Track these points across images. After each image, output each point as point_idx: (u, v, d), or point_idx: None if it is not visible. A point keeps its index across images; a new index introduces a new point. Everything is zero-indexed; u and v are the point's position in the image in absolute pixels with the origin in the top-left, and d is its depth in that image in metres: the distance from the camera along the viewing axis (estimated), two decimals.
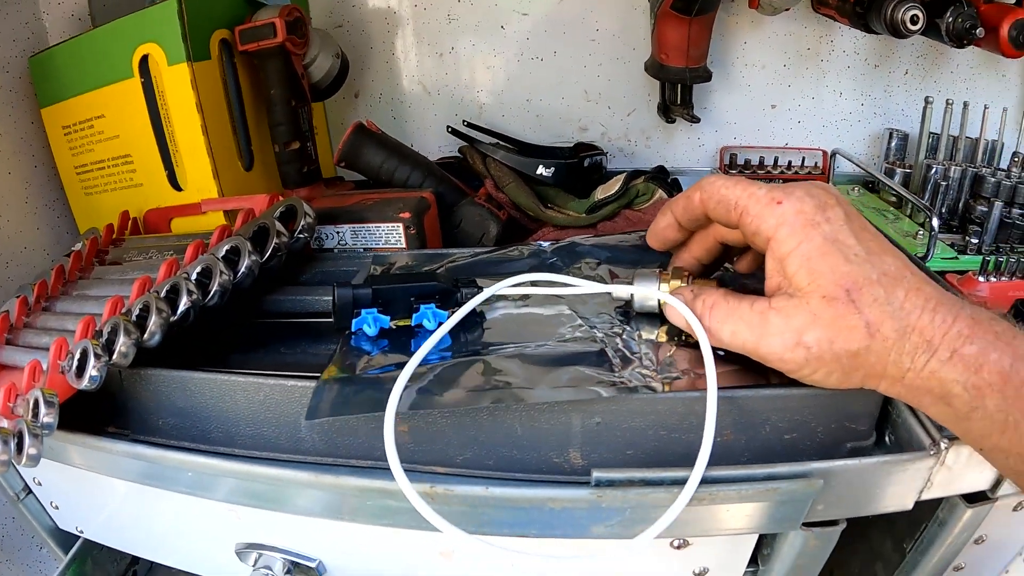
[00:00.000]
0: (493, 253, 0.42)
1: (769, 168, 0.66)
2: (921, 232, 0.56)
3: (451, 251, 0.43)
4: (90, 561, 0.45)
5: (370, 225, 0.46)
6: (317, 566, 0.35)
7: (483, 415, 0.29)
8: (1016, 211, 0.55)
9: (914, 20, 0.49)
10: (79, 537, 0.44)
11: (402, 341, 0.33)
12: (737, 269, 0.35)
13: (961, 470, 0.29)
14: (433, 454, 0.30)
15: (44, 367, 0.32)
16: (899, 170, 0.62)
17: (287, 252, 0.38)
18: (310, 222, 0.40)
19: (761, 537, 0.33)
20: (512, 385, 0.29)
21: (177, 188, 0.49)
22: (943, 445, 0.28)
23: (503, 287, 0.34)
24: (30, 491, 0.42)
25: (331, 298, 0.34)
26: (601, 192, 0.53)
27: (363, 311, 0.33)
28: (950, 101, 0.60)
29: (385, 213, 0.46)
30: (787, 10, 0.57)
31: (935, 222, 0.50)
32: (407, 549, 0.34)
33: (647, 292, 0.32)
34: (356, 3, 0.65)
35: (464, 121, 0.61)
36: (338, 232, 0.47)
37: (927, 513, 0.33)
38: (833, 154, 0.64)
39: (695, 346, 0.29)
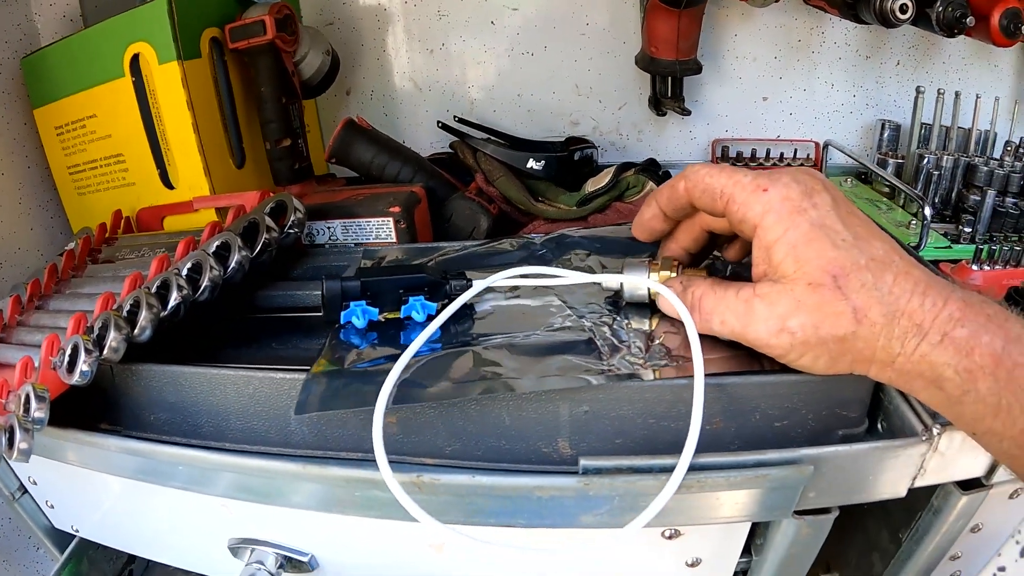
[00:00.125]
0: (483, 246, 0.42)
1: (761, 160, 0.66)
2: (914, 222, 0.56)
3: (441, 245, 0.43)
4: (86, 560, 0.45)
5: (360, 220, 0.46)
6: (309, 560, 0.35)
7: (471, 405, 0.29)
8: (1009, 200, 0.55)
9: (903, 9, 0.49)
10: (75, 536, 0.44)
11: (391, 334, 0.33)
12: (726, 257, 0.34)
13: (954, 456, 0.29)
14: (422, 445, 0.30)
15: (36, 363, 0.33)
16: (892, 161, 0.62)
17: (277, 247, 0.38)
18: (300, 217, 0.40)
19: (754, 527, 0.33)
20: (501, 375, 0.29)
21: (169, 186, 0.49)
22: (935, 431, 0.28)
23: (496, 280, 0.34)
24: (25, 491, 0.42)
25: (321, 292, 0.34)
26: (591, 185, 0.53)
27: (352, 304, 0.33)
28: (942, 91, 0.60)
29: (375, 208, 0.46)
30: (777, 2, 0.57)
31: (928, 211, 0.50)
32: (398, 542, 0.34)
33: (637, 282, 0.32)
34: (346, 0, 0.65)
35: (455, 116, 0.61)
36: (329, 227, 0.47)
37: (922, 502, 0.33)
38: (825, 145, 0.64)
39: (684, 334, 0.29)
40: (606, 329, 0.32)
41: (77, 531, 0.43)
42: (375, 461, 0.26)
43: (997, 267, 0.49)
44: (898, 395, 0.30)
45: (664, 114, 0.65)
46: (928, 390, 0.26)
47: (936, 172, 0.57)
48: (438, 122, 0.60)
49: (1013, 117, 0.63)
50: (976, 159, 0.58)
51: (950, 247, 0.54)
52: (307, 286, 0.38)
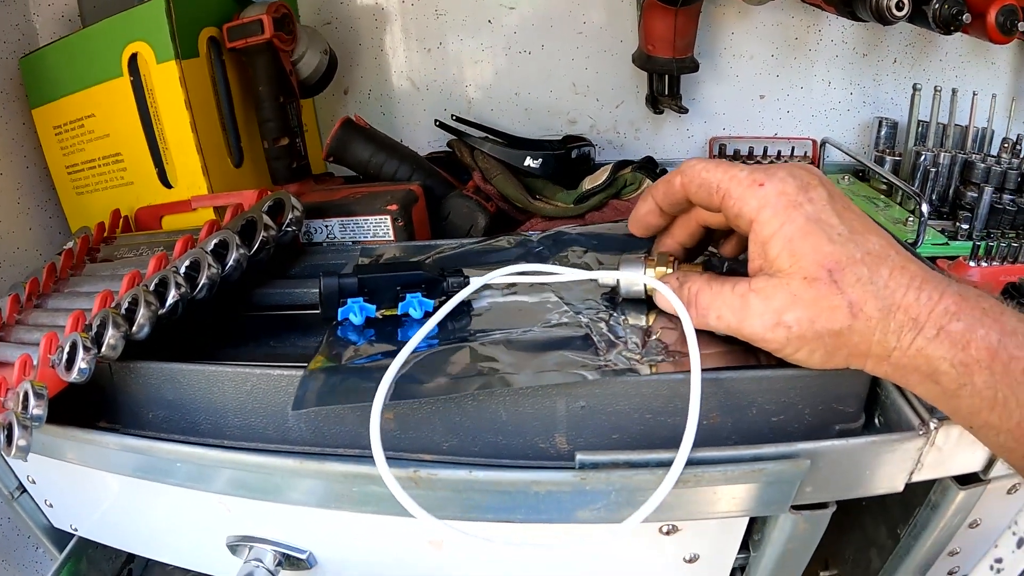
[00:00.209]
0: (480, 243, 0.42)
1: (759, 158, 0.66)
2: (911, 219, 0.56)
3: (439, 242, 0.43)
4: (85, 560, 0.45)
5: (358, 218, 0.46)
6: (307, 557, 0.35)
7: (468, 401, 0.29)
8: (1006, 196, 0.55)
9: (899, 6, 0.49)
10: (74, 535, 0.44)
11: (388, 330, 0.33)
12: (722, 253, 0.34)
13: (952, 450, 0.29)
14: (419, 441, 0.30)
15: (34, 361, 0.33)
16: (889, 158, 0.62)
17: (275, 245, 0.38)
18: (298, 215, 0.40)
19: (751, 522, 0.33)
20: (498, 370, 0.29)
21: (167, 186, 0.50)
22: (932, 425, 0.28)
23: (494, 277, 0.34)
24: (24, 490, 0.42)
25: (318, 289, 0.34)
26: (589, 182, 0.53)
27: (349, 300, 0.33)
28: (939, 88, 0.60)
29: (373, 206, 0.46)
30: (773, 0, 0.58)
31: (925, 208, 0.50)
32: (396, 539, 0.34)
33: (633, 278, 0.33)
34: (344, 0, 0.65)
35: (453, 115, 0.61)
36: (327, 226, 0.47)
37: (920, 497, 0.33)
38: (823, 143, 0.64)
39: (681, 329, 0.29)
40: (603, 325, 0.32)
41: (76, 530, 0.43)
42: (372, 457, 0.26)
43: (994, 263, 0.49)
44: (895, 389, 0.30)
45: (661, 112, 0.65)
46: (924, 384, 0.26)
47: (933, 169, 0.58)
48: (436, 121, 0.61)
49: (1010, 114, 0.63)
50: (973, 156, 0.58)
51: (947, 244, 0.54)
52: (305, 284, 0.38)
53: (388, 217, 0.46)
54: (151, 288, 0.34)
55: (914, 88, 0.61)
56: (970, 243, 0.51)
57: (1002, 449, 0.26)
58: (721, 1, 0.62)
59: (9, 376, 0.32)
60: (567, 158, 0.57)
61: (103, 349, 0.31)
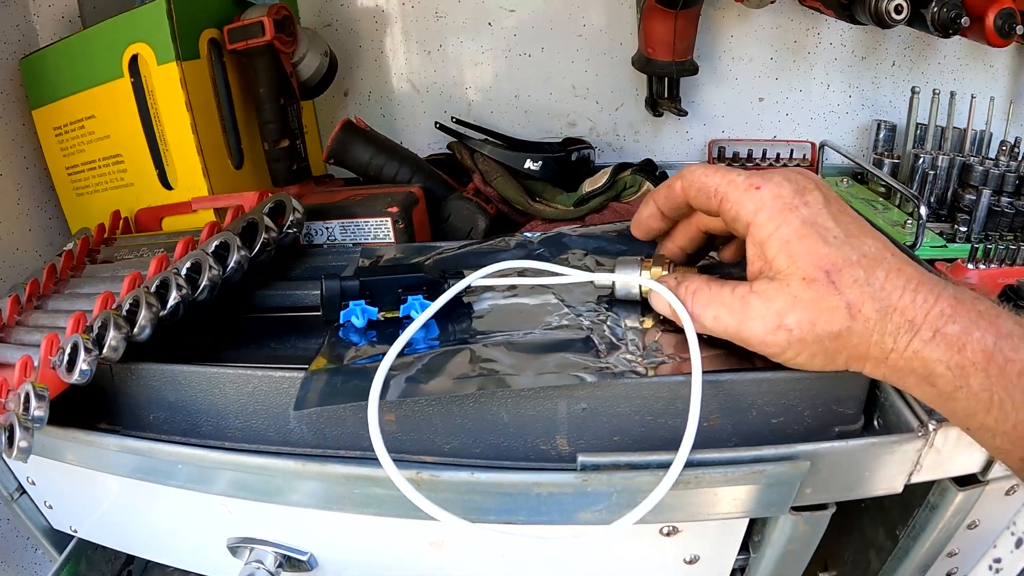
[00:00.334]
0: (480, 245, 0.42)
1: (758, 161, 0.67)
2: (910, 221, 0.56)
3: (439, 244, 0.44)
4: (84, 561, 0.45)
5: (359, 220, 0.46)
6: (308, 559, 0.35)
7: (469, 403, 0.29)
8: (1004, 199, 0.55)
9: (898, 10, 0.49)
10: (73, 537, 0.44)
11: (390, 332, 0.33)
12: (722, 258, 0.35)
13: (950, 452, 0.29)
14: (420, 443, 0.30)
15: (35, 362, 0.33)
16: (887, 161, 0.63)
17: (276, 247, 0.38)
18: (299, 217, 0.40)
19: (751, 523, 0.33)
20: (498, 372, 0.29)
21: (168, 187, 0.50)
22: (931, 427, 0.28)
23: (485, 273, 0.34)
24: (24, 491, 0.42)
25: (319, 291, 0.34)
26: (589, 185, 0.54)
27: (351, 303, 0.33)
28: (937, 91, 0.60)
29: (373, 208, 0.46)
30: (773, 3, 0.58)
31: (923, 211, 0.50)
32: (396, 540, 0.34)
33: (629, 279, 0.33)
34: (344, 2, 0.65)
35: (453, 117, 0.61)
36: (327, 228, 0.47)
37: (919, 498, 0.33)
38: (821, 146, 0.64)
39: (679, 332, 0.29)
40: (604, 327, 0.32)
41: (76, 531, 0.43)
42: (375, 458, 0.26)
43: (992, 266, 0.49)
44: (893, 391, 0.30)
45: (661, 115, 0.65)
46: (921, 386, 0.26)
47: (932, 172, 0.58)
48: (436, 123, 0.61)
49: (1008, 117, 0.63)
50: (971, 159, 0.58)
51: (946, 246, 0.54)
52: (305, 286, 0.38)
53: (389, 219, 0.46)
54: (152, 289, 0.34)
55: (912, 91, 0.61)
56: (968, 245, 0.51)
57: (999, 451, 0.26)
58: (721, 4, 0.63)
59: (10, 377, 0.32)
60: (567, 160, 0.57)
61: (104, 351, 0.31)
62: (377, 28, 0.66)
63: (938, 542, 0.34)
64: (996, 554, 0.31)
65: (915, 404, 0.29)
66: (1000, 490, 0.33)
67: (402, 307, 0.33)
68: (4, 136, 0.52)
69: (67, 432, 0.33)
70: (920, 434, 0.28)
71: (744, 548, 0.34)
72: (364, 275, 0.34)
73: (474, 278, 0.34)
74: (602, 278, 0.34)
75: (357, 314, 0.33)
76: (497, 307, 0.36)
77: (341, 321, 0.34)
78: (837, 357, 0.27)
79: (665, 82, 0.61)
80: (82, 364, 0.30)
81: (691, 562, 0.33)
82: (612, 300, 0.34)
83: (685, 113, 0.62)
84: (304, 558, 0.35)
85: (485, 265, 0.35)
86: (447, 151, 0.60)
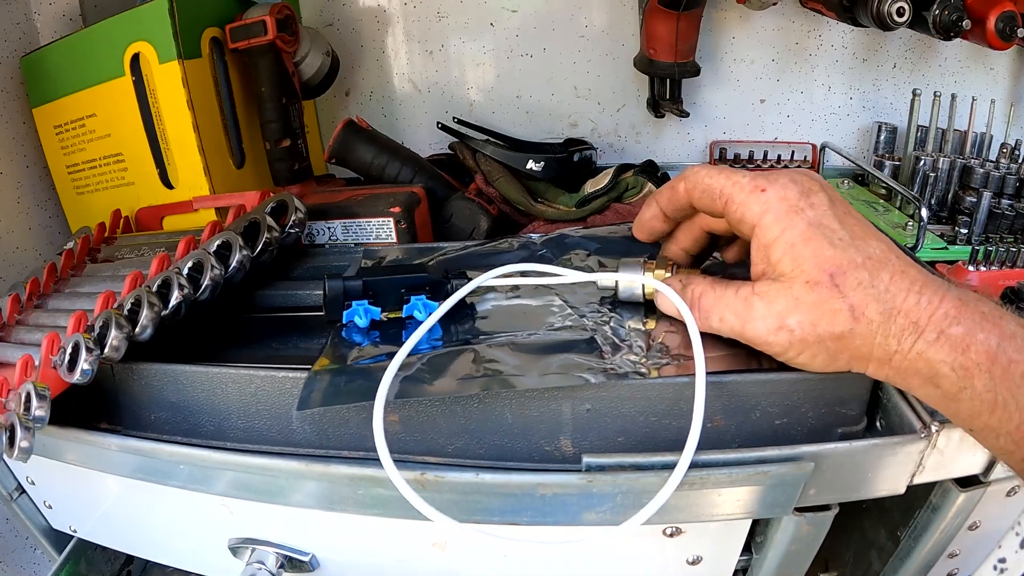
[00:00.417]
0: (483, 246, 0.42)
1: (759, 162, 0.67)
2: (911, 223, 0.56)
3: (442, 245, 0.43)
4: (84, 561, 0.45)
5: (361, 220, 0.46)
6: (310, 560, 0.35)
7: (473, 404, 0.29)
8: (1005, 201, 0.55)
9: (900, 12, 0.49)
10: (73, 537, 0.44)
11: (393, 332, 0.33)
12: (725, 258, 0.35)
13: (953, 453, 0.29)
14: (424, 444, 0.30)
15: (36, 362, 0.32)
16: (888, 163, 0.63)
17: (278, 247, 0.38)
18: (301, 217, 0.40)
19: (754, 524, 0.33)
20: (502, 372, 0.29)
21: (169, 186, 0.49)
22: (934, 428, 0.28)
23: (491, 276, 0.34)
24: (23, 491, 0.42)
25: (322, 291, 0.34)
26: (591, 186, 0.54)
27: (354, 303, 0.33)
28: (938, 93, 0.60)
29: (375, 208, 0.46)
30: (775, 4, 0.58)
31: (924, 213, 0.50)
32: (399, 541, 0.34)
33: (634, 280, 0.33)
34: (346, 1, 0.65)
35: (454, 118, 0.61)
36: (329, 227, 0.47)
37: (920, 499, 0.33)
38: (822, 148, 0.64)
39: (683, 333, 0.29)
40: (608, 328, 0.32)
41: (75, 531, 0.43)
42: (378, 459, 0.26)
43: (993, 268, 0.49)
44: (896, 393, 0.30)
45: (662, 116, 0.65)
46: (925, 387, 0.26)
47: (932, 174, 0.58)
48: (438, 123, 0.61)
49: (1009, 119, 0.64)
50: (972, 161, 0.58)
51: (947, 248, 0.54)
52: (307, 286, 0.38)
53: (391, 219, 0.46)
54: (154, 289, 0.34)
55: (914, 93, 0.62)
56: (969, 248, 0.52)
57: (1002, 452, 0.26)
58: (723, 6, 0.63)
59: (11, 377, 0.32)
60: (569, 161, 0.57)
61: (106, 350, 0.31)
62: (379, 28, 0.66)
63: (939, 543, 0.34)
64: (1001, 554, 0.31)
65: (918, 405, 0.29)
66: (1001, 491, 0.33)
67: (405, 307, 0.33)
68: (4, 134, 0.52)
69: (67, 432, 0.32)
70: (923, 435, 0.28)
71: (747, 549, 0.34)
72: (367, 275, 0.34)
73: (481, 280, 0.34)
74: (605, 279, 0.34)
75: (360, 314, 0.33)
76: (500, 308, 0.35)
77: (344, 321, 0.34)
78: (839, 357, 0.27)
79: (667, 83, 0.61)
80: (83, 364, 0.30)
81: (694, 563, 0.33)
82: (615, 301, 0.34)
83: (687, 114, 0.62)
84: (306, 559, 0.35)
85: (488, 266, 0.35)
86: (448, 151, 0.60)
